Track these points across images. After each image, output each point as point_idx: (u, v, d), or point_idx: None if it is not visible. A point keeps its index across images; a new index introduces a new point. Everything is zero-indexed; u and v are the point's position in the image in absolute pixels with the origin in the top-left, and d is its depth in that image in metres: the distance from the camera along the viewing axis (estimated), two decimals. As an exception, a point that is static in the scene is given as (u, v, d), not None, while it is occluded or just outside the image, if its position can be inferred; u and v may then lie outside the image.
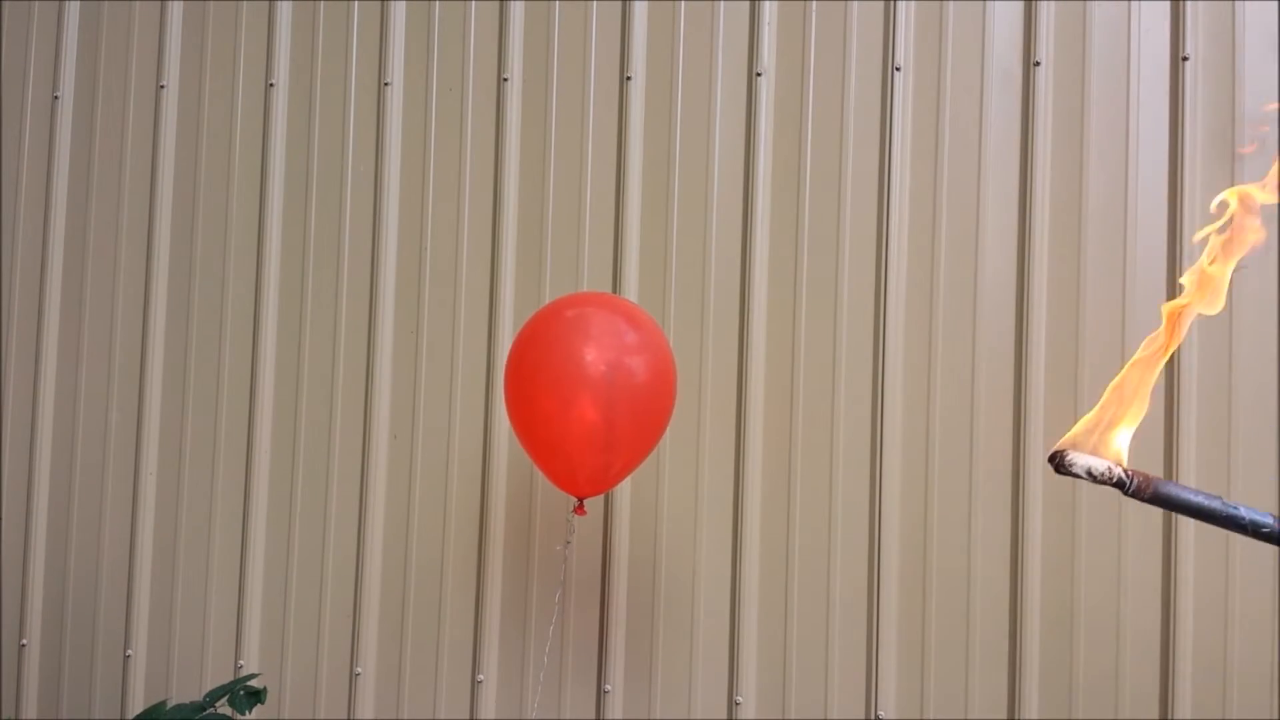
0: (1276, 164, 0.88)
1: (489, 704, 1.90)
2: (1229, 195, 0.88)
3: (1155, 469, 1.68)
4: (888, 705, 1.75)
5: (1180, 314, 0.87)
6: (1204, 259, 0.89)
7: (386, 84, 2.02)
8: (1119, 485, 0.82)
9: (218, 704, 1.67)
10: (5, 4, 2.22)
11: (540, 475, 1.90)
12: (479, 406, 1.94)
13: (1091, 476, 0.82)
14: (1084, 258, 1.73)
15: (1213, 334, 1.68)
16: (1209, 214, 1.71)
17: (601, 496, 1.87)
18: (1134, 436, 0.91)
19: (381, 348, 1.99)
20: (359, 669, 1.96)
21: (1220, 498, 0.83)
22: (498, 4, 1.99)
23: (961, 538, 1.74)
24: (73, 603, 2.11)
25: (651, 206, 1.89)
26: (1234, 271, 0.88)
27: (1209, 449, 1.67)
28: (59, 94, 2.18)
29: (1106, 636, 1.68)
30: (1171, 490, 0.83)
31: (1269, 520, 0.82)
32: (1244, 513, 0.82)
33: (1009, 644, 1.72)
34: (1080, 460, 0.82)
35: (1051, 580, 1.71)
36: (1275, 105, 1.69)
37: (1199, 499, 0.83)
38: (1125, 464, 0.83)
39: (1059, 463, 0.82)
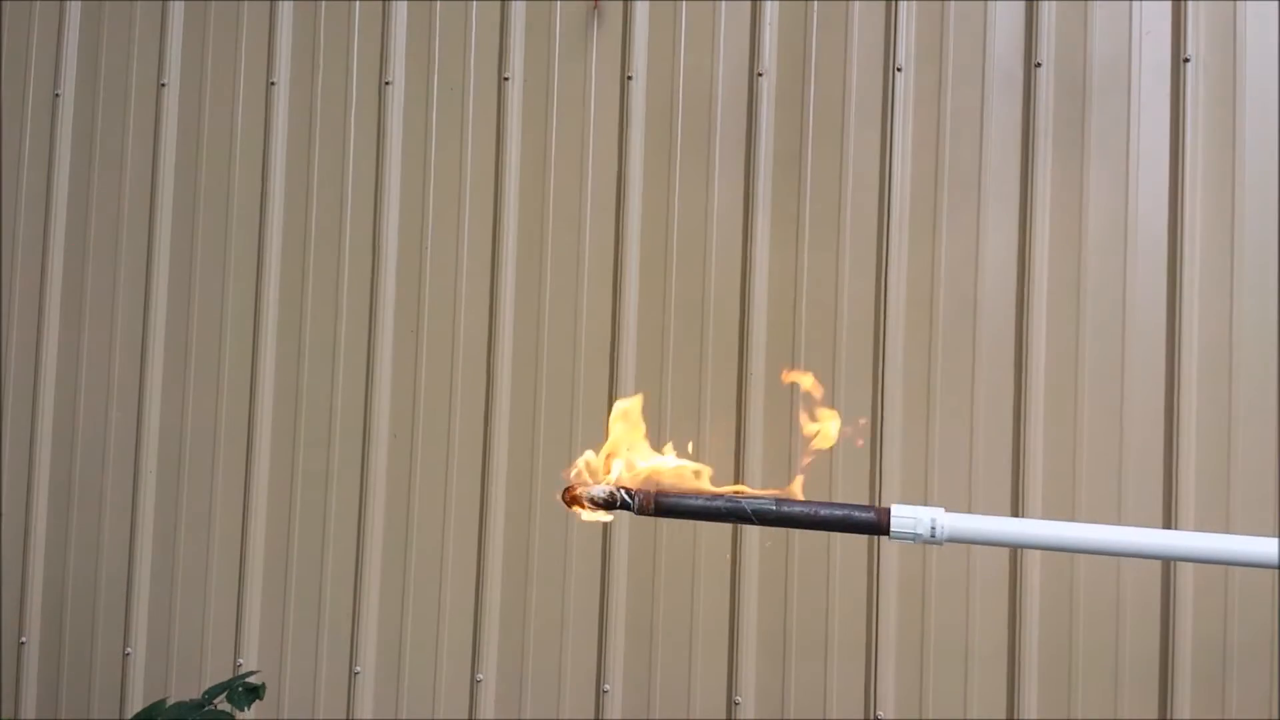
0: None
1: (488, 704, 1.90)
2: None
3: (1154, 489, 1.67)
4: (887, 705, 1.75)
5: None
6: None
7: (388, 83, 2.02)
8: (624, 506, 0.89)
9: (216, 701, 1.67)
10: (6, 2, 2.22)
11: (539, 475, 1.90)
12: (479, 406, 1.94)
13: (595, 503, 0.89)
14: (1084, 258, 1.73)
15: (1213, 335, 1.68)
16: (1209, 216, 1.72)
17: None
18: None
19: (381, 348, 1.99)
20: (359, 668, 1.96)
21: (723, 496, 0.89)
22: (499, 4, 1.99)
23: (961, 539, 1.74)
24: (72, 601, 2.11)
25: (652, 206, 1.89)
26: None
27: (1209, 461, 1.67)
28: (60, 92, 2.18)
29: (1106, 637, 1.68)
30: (673, 501, 0.89)
31: (768, 505, 0.88)
32: (745, 504, 0.89)
33: (1008, 644, 1.72)
34: (584, 492, 0.89)
35: (1050, 580, 1.71)
36: None
37: (700, 502, 0.89)
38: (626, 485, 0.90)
39: (568, 499, 0.90)
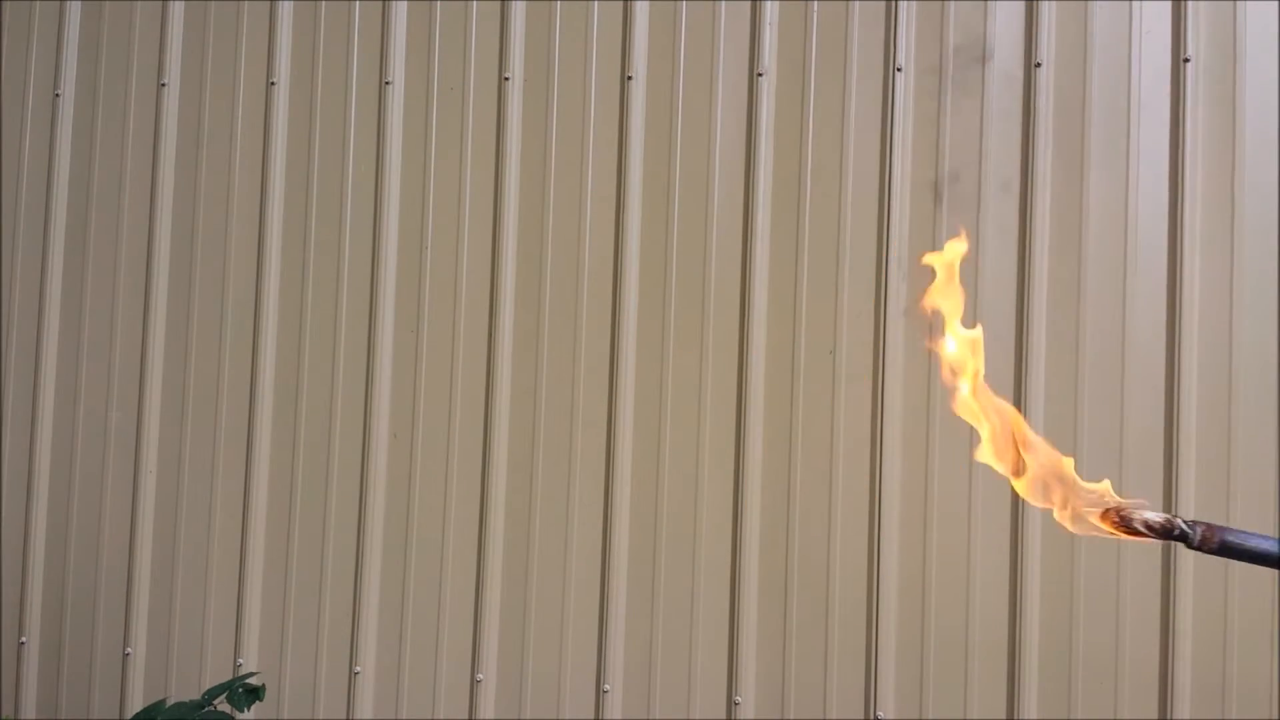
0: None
1: (488, 704, 1.91)
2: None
3: (1155, 489, 1.67)
4: (887, 706, 1.75)
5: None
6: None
7: (388, 83, 2.02)
8: (1181, 537, 0.75)
9: (216, 702, 1.68)
10: (7, 2, 2.22)
11: (539, 477, 1.90)
12: (479, 406, 1.94)
13: (1151, 529, 0.76)
14: (1084, 258, 1.73)
15: (1213, 335, 1.68)
16: (1209, 216, 1.71)
17: (601, 497, 1.87)
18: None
19: (381, 348, 1.99)
20: (358, 668, 1.97)
21: None
22: (499, 3, 1.98)
23: (961, 537, 1.74)
24: (72, 601, 2.11)
25: (651, 206, 1.89)
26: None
27: (1209, 451, 1.67)
28: (60, 91, 2.18)
29: (1105, 638, 1.68)
30: (1238, 540, 0.75)
31: None
32: None
33: (1008, 645, 1.72)
34: (1138, 515, 0.77)
35: (1050, 581, 1.71)
36: None
37: (1271, 546, 0.75)
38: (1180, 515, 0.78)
39: (1115, 519, 0.77)
